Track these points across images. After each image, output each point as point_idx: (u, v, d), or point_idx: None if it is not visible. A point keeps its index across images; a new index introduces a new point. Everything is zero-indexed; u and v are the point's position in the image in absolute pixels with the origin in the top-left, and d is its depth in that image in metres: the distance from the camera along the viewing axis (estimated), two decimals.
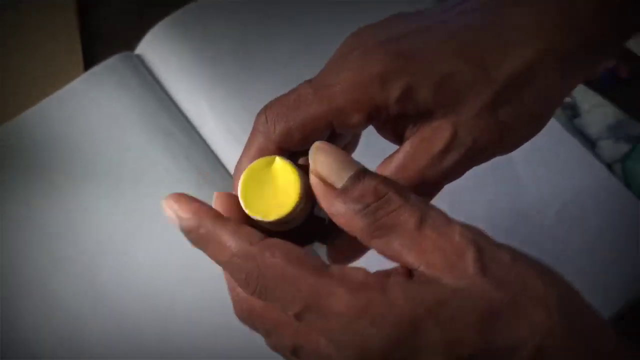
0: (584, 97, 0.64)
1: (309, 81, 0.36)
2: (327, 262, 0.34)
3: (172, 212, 0.34)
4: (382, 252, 0.32)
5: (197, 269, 0.54)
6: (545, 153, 0.61)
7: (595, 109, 0.63)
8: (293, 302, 0.30)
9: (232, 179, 0.58)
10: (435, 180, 0.36)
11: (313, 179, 0.33)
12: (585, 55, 0.37)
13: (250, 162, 0.36)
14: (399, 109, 0.35)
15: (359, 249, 0.38)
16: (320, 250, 0.41)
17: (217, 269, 0.54)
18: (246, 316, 0.34)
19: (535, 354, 0.29)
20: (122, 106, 0.60)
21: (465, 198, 0.58)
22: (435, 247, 0.30)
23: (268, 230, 0.34)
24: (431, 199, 0.37)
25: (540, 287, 0.30)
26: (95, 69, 0.62)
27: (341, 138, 0.38)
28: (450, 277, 0.30)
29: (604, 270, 0.56)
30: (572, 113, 0.63)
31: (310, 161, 0.33)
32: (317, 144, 0.33)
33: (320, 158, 0.33)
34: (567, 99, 0.64)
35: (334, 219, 0.32)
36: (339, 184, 0.32)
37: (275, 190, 0.34)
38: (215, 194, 0.35)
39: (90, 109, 0.60)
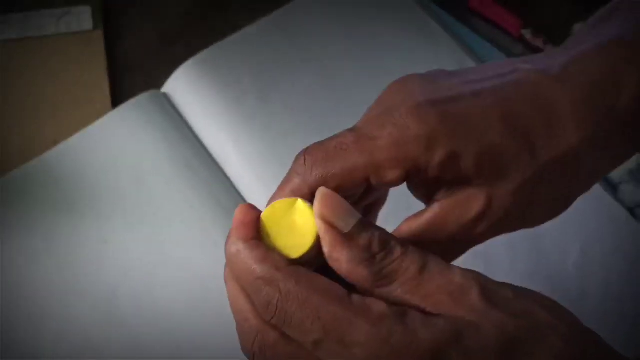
0: None
1: (352, 129, 0.36)
2: None
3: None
4: (384, 299, 0.32)
5: (217, 302, 0.54)
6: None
7: None
8: (313, 329, 0.30)
9: None
10: (462, 245, 0.37)
11: (319, 222, 0.33)
12: (622, 145, 0.37)
13: None
14: (439, 173, 0.35)
15: None
16: None
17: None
18: (257, 350, 0.34)
19: None
20: (148, 142, 0.61)
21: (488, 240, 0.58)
22: (439, 289, 0.31)
23: None
24: (455, 259, 0.37)
25: (549, 318, 0.31)
26: (125, 106, 0.63)
27: (373, 191, 0.38)
28: (460, 312, 0.30)
29: (626, 314, 0.56)
30: None
31: (316, 204, 0.33)
32: (323, 189, 0.34)
33: (327, 202, 0.33)
34: None
35: (335, 265, 0.33)
36: (345, 229, 0.32)
37: (294, 231, 0.34)
38: (240, 206, 0.35)
39: (118, 145, 0.61)
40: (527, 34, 0.69)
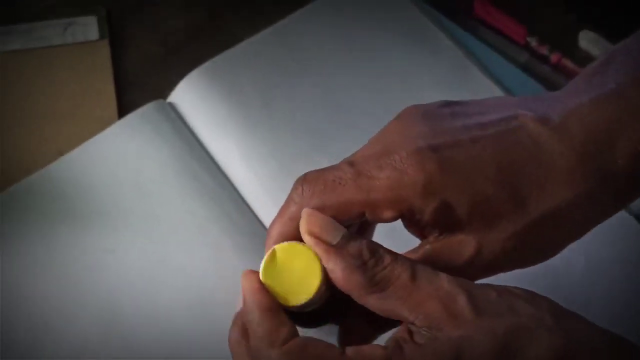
0: None
1: (351, 163, 0.37)
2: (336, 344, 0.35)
3: (243, 285, 0.36)
4: (378, 307, 0.33)
5: (222, 313, 0.54)
6: None
7: None
8: None
9: (258, 223, 0.59)
10: None
11: (308, 239, 0.35)
12: (613, 202, 0.38)
13: (282, 226, 0.37)
14: (432, 218, 0.36)
15: (373, 330, 0.39)
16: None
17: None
18: None
19: None
20: (154, 152, 0.61)
21: None
22: (430, 296, 0.32)
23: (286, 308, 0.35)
24: None
25: (532, 311, 0.32)
26: (130, 117, 0.63)
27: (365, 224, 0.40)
28: (451, 326, 0.31)
29: (631, 322, 0.55)
30: None
31: (302, 224, 0.35)
32: (307, 210, 0.35)
33: (313, 220, 0.35)
34: None
35: (332, 275, 0.34)
36: (334, 242, 0.34)
37: (297, 277, 0.35)
38: (244, 272, 0.36)
39: (123, 155, 0.61)
40: (532, 41, 0.69)
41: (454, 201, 0.36)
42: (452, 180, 0.36)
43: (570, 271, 0.58)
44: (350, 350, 0.32)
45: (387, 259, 0.33)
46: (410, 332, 0.33)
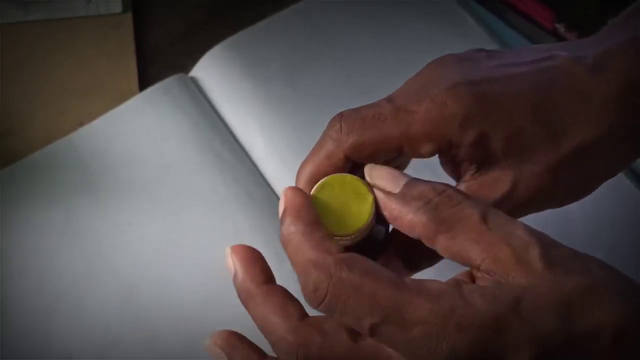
0: None
1: (390, 100, 0.37)
2: None
3: (282, 203, 0.35)
4: (446, 248, 0.32)
5: (235, 291, 0.54)
6: (597, 193, 0.60)
7: None
8: (371, 314, 0.30)
9: (277, 200, 0.58)
10: None
11: (374, 191, 0.35)
12: None
13: (317, 165, 0.37)
14: (469, 151, 0.36)
15: (408, 269, 0.39)
16: None
17: None
18: (302, 350, 0.33)
19: (616, 337, 0.30)
20: (174, 126, 0.61)
21: None
22: (501, 241, 0.31)
23: None
24: None
25: (607, 277, 0.31)
26: (151, 89, 0.63)
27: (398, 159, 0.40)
28: (518, 273, 0.30)
29: None
30: None
31: (367, 177, 0.35)
32: (369, 165, 0.35)
33: (376, 172, 0.35)
34: None
35: (397, 224, 0.34)
36: (396, 190, 0.34)
37: (346, 208, 0.35)
38: (288, 188, 0.36)
39: (144, 128, 0.61)
40: (560, 27, 0.68)
41: (491, 134, 0.36)
42: (490, 113, 0.36)
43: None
44: (409, 278, 0.31)
45: (457, 198, 0.32)
46: (473, 277, 0.32)
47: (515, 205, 0.37)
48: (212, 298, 0.54)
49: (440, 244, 0.32)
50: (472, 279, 0.32)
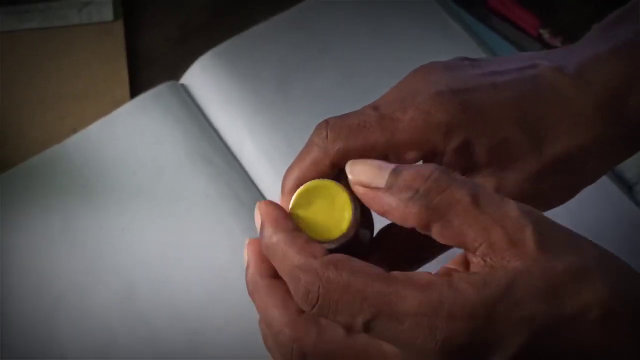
0: None
1: (375, 107, 0.37)
2: None
3: (257, 216, 0.36)
4: (442, 235, 0.32)
5: (231, 292, 0.55)
6: (581, 196, 0.61)
7: None
8: (362, 311, 0.31)
9: None
10: None
11: (358, 189, 0.34)
12: (626, 146, 0.39)
13: (303, 171, 0.37)
14: (453, 158, 0.37)
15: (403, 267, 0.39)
16: None
17: (247, 293, 0.55)
18: (297, 344, 0.34)
19: (603, 316, 0.30)
20: (166, 132, 0.62)
21: None
22: (495, 223, 0.31)
23: None
24: None
25: (599, 257, 0.31)
26: (143, 97, 0.64)
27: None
28: (512, 256, 0.30)
29: None
30: None
31: (349, 175, 0.35)
32: (350, 161, 0.35)
33: (358, 168, 0.34)
34: None
35: (389, 217, 0.33)
36: (382, 184, 0.33)
37: (329, 211, 0.35)
38: (262, 202, 0.36)
39: (136, 134, 0.62)
40: (545, 33, 0.69)
41: (475, 142, 0.36)
42: (473, 121, 0.36)
43: None
44: (396, 272, 0.32)
45: (445, 181, 0.32)
46: (466, 263, 0.32)
47: None
48: (208, 298, 0.55)
49: (435, 232, 0.32)
50: (466, 265, 0.32)
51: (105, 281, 0.55)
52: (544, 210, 0.39)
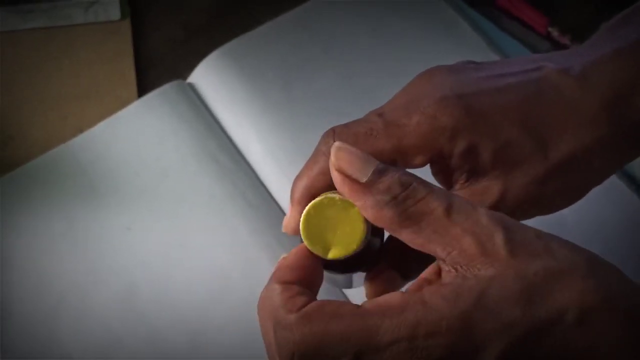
0: None
1: (380, 114, 0.38)
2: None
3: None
4: (412, 241, 0.32)
5: (233, 293, 0.55)
6: (591, 195, 0.61)
7: None
8: (345, 353, 0.31)
9: (275, 205, 0.59)
10: None
11: (336, 176, 0.33)
12: (630, 146, 0.39)
13: (311, 180, 0.37)
14: (459, 162, 0.37)
15: (401, 277, 0.39)
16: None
17: (252, 293, 0.55)
18: None
19: (580, 316, 0.30)
20: (172, 132, 0.62)
21: None
22: (466, 231, 0.31)
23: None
24: None
25: (569, 255, 0.31)
26: (149, 96, 0.64)
27: None
28: (483, 264, 0.30)
29: None
30: None
31: (332, 158, 0.34)
32: (337, 143, 0.34)
33: (342, 155, 0.33)
34: None
35: (363, 212, 0.33)
36: (363, 179, 0.33)
37: (338, 230, 0.35)
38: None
39: (142, 134, 0.62)
40: (553, 31, 0.68)
41: (480, 145, 0.37)
42: (479, 125, 0.37)
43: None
44: (366, 302, 0.32)
45: (422, 191, 0.32)
46: (439, 272, 0.32)
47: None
48: (211, 300, 0.55)
49: (405, 237, 0.32)
50: (439, 273, 0.32)
51: (107, 282, 0.55)
52: (551, 213, 0.40)
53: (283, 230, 0.41)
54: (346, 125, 0.38)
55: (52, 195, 0.58)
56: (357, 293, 0.42)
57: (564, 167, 0.37)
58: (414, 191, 0.32)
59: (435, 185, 0.33)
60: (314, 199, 0.36)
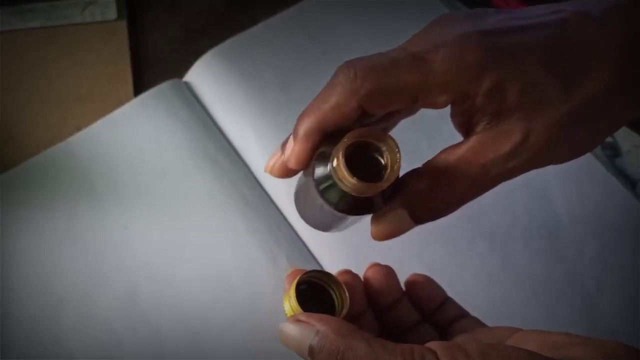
0: (625, 138, 0.64)
1: (404, 48, 0.36)
2: None
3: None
4: None
5: (234, 292, 0.55)
6: (586, 192, 0.61)
7: (636, 150, 0.63)
8: None
9: (272, 204, 0.59)
10: (494, 177, 0.37)
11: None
12: None
13: (323, 115, 0.36)
14: (484, 101, 0.36)
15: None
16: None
17: (251, 292, 0.55)
18: None
19: None
20: (169, 131, 0.62)
21: (506, 235, 0.59)
22: None
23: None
24: (483, 193, 0.38)
25: None
26: (146, 95, 0.64)
27: (388, 118, 0.39)
28: None
29: None
30: (613, 153, 0.64)
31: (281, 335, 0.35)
32: (281, 325, 0.35)
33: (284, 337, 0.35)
34: (609, 139, 0.64)
35: None
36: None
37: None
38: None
39: (139, 133, 0.62)
40: None
41: (507, 84, 0.35)
42: (506, 62, 0.35)
43: (583, 259, 0.58)
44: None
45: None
46: None
47: (525, 160, 0.36)
48: (211, 298, 0.55)
49: None
50: None
51: (107, 282, 0.55)
52: (563, 162, 0.39)
53: (277, 165, 0.41)
54: (365, 57, 0.36)
55: (50, 194, 0.58)
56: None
57: (585, 110, 0.36)
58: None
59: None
60: (324, 135, 0.35)
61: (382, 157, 0.35)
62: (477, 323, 0.39)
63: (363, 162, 0.35)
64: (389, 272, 0.40)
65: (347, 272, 0.41)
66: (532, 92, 0.36)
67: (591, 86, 0.36)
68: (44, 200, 0.58)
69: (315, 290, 0.39)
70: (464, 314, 0.40)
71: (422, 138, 0.37)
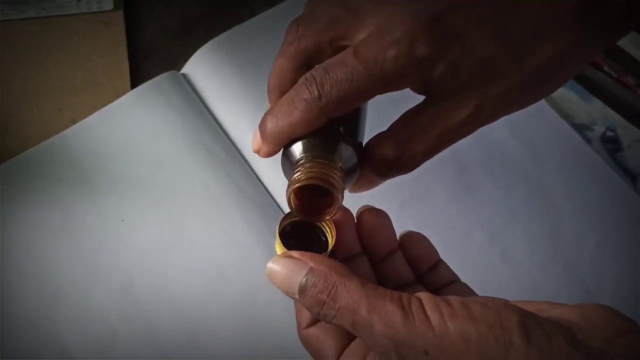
0: (625, 132, 0.64)
1: (355, 54, 0.38)
2: None
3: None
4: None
5: (231, 284, 0.55)
6: (586, 186, 0.61)
7: (636, 144, 0.63)
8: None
9: (268, 195, 0.59)
10: (450, 140, 0.40)
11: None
12: (602, 44, 0.40)
13: (294, 130, 0.40)
14: (438, 82, 0.38)
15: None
16: None
17: (247, 284, 0.55)
18: None
19: None
20: (166, 123, 0.61)
21: (505, 228, 0.58)
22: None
23: None
24: (440, 152, 0.40)
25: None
26: (143, 87, 0.63)
27: None
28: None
29: None
30: (614, 147, 0.63)
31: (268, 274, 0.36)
32: (270, 263, 0.36)
33: (274, 278, 0.36)
34: (610, 134, 0.64)
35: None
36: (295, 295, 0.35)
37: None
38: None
39: (136, 125, 0.61)
40: None
41: (458, 64, 0.37)
42: (455, 46, 0.37)
43: (582, 253, 0.58)
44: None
45: (332, 310, 0.33)
46: None
47: (476, 124, 0.39)
48: (207, 289, 0.55)
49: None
50: None
51: (103, 274, 0.55)
52: (527, 107, 0.41)
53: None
54: (324, 68, 0.38)
55: (46, 186, 0.58)
56: None
57: (537, 74, 0.38)
58: (328, 308, 0.33)
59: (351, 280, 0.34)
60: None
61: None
62: (468, 289, 0.40)
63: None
64: (383, 215, 0.40)
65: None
66: (483, 67, 0.38)
67: (545, 51, 0.38)
68: (40, 193, 0.57)
69: (304, 231, 0.40)
70: (455, 279, 0.41)
71: (384, 97, 0.39)
